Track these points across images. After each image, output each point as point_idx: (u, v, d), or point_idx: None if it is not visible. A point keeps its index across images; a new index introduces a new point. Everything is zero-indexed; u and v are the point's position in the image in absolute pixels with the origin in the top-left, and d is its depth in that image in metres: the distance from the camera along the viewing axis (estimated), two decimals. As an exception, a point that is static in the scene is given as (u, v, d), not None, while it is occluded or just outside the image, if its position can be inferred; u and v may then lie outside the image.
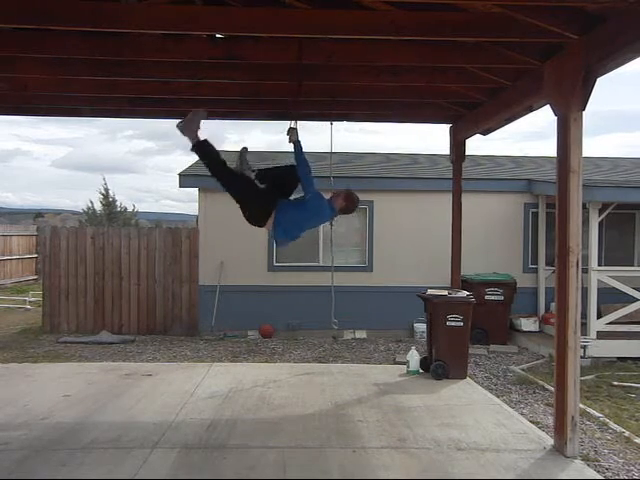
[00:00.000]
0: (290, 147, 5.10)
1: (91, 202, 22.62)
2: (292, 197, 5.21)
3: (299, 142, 4.99)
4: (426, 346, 7.22)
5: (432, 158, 13.40)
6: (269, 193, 5.07)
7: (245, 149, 5.30)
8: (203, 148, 5.02)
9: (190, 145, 5.02)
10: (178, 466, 4.12)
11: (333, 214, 5.26)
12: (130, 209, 23.59)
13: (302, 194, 5.07)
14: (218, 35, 4.98)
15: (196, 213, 11.60)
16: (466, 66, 5.48)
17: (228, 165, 5.07)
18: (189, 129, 5.01)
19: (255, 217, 5.10)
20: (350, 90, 6.25)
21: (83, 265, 10.82)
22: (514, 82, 5.52)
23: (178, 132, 5.02)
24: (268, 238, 10.81)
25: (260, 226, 5.16)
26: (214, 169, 5.03)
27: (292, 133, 5.04)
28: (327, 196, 5.25)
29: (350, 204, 5.27)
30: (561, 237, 4.42)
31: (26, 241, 19.97)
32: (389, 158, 13.60)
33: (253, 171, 5.21)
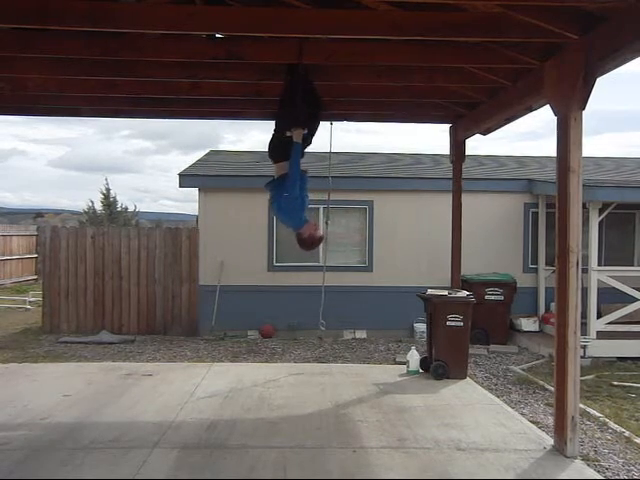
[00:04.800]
0: None
1: (91, 202, 22.66)
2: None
3: (300, 144, 5.02)
4: (426, 346, 7.22)
5: (434, 158, 13.40)
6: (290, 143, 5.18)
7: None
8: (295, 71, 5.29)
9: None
10: (178, 466, 4.12)
11: (296, 229, 5.28)
12: (131, 209, 23.64)
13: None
14: (218, 35, 4.99)
15: (195, 213, 11.62)
16: (466, 66, 5.48)
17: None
18: None
19: (271, 146, 5.40)
20: (350, 90, 6.25)
21: (83, 265, 10.81)
22: (514, 82, 5.52)
23: None
24: (268, 238, 10.83)
25: (270, 154, 5.41)
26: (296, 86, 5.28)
27: (297, 133, 5.05)
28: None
29: (305, 243, 5.30)
30: (561, 237, 4.42)
31: (26, 241, 19.97)
32: (391, 158, 13.60)
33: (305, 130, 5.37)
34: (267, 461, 4.19)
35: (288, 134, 5.11)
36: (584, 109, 4.32)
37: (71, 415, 5.22)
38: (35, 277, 19.88)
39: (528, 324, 10.39)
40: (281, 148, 5.24)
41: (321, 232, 5.39)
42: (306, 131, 5.16)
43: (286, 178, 5.08)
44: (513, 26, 4.24)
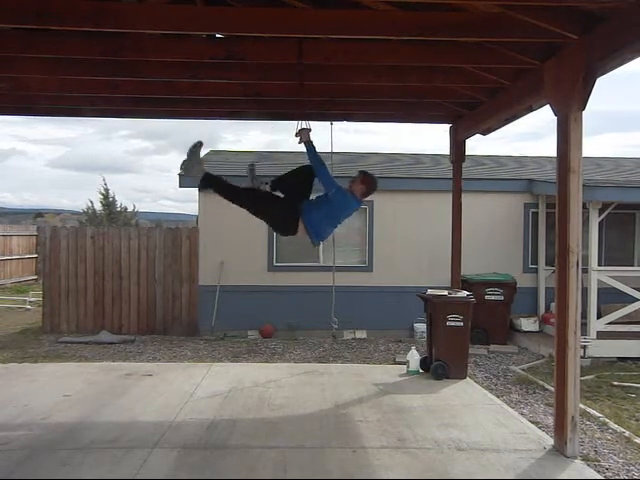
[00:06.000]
0: (294, 147, 5.06)
1: (91, 202, 22.63)
2: (312, 197, 5.16)
3: (311, 142, 4.97)
4: (426, 346, 7.22)
5: (434, 158, 13.39)
6: (289, 201, 5.04)
7: (253, 165, 5.33)
8: (210, 180, 5.22)
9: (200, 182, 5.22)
10: (178, 466, 4.12)
11: (359, 203, 5.22)
12: (130, 209, 23.60)
13: (322, 192, 5.05)
14: (218, 35, 4.99)
15: (194, 213, 11.61)
16: (466, 66, 5.48)
17: (238, 185, 5.18)
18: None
19: (281, 227, 5.21)
20: (350, 90, 6.25)
21: (83, 265, 10.81)
22: (514, 82, 5.52)
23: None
24: (268, 238, 10.83)
25: (290, 234, 5.18)
26: (227, 194, 5.13)
27: (303, 133, 5.01)
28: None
29: (369, 186, 5.22)
30: (561, 237, 4.42)
31: (26, 241, 19.97)
32: (390, 158, 13.60)
33: (266, 184, 5.22)
34: (267, 461, 4.19)
35: (299, 142, 5.06)
36: (584, 109, 4.32)
37: (71, 415, 5.22)
38: (35, 277, 19.89)
39: (528, 324, 10.39)
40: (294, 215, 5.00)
41: (359, 174, 5.23)
42: (309, 126, 5.11)
43: (321, 180, 4.94)
44: (513, 26, 4.24)
